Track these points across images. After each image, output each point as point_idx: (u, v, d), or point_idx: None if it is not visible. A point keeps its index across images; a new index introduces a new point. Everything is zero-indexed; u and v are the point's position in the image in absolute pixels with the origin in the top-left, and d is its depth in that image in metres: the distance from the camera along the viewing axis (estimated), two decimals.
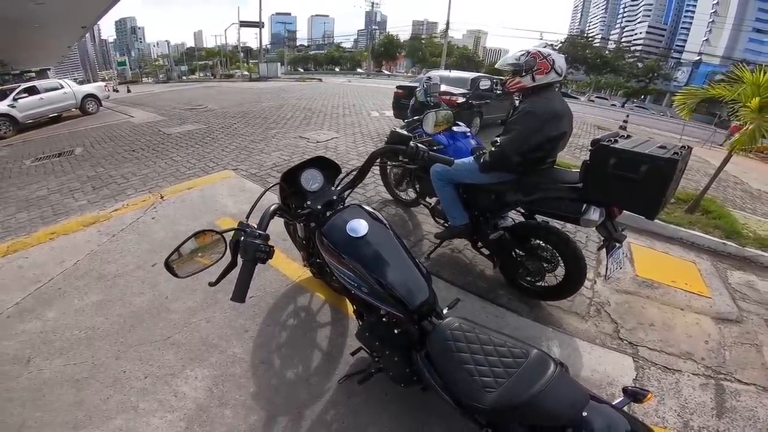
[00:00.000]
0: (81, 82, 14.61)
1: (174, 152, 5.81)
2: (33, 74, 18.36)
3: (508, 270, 2.50)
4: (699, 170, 7.54)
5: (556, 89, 2.22)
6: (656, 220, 3.69)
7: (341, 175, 1.66)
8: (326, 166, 1.61)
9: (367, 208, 1.48)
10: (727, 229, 3.75)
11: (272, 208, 1.20)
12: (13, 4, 10.11)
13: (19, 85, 10.30)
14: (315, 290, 2.44)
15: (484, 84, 7.84)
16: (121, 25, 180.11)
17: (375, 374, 1.50)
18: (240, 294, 1.02)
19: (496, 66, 2.34)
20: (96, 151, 6.31)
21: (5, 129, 9.02)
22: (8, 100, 9.37)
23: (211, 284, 1.09)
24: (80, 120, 10.59)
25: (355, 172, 1.59)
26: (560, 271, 2.25)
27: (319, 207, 1.45)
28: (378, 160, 1.59)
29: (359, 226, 1.34)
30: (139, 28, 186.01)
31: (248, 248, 1.03)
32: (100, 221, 3.46)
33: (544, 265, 2.29)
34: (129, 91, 19.76)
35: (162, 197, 3.94)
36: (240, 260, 1.05)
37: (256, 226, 1.10)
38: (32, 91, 10.16)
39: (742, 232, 3.77)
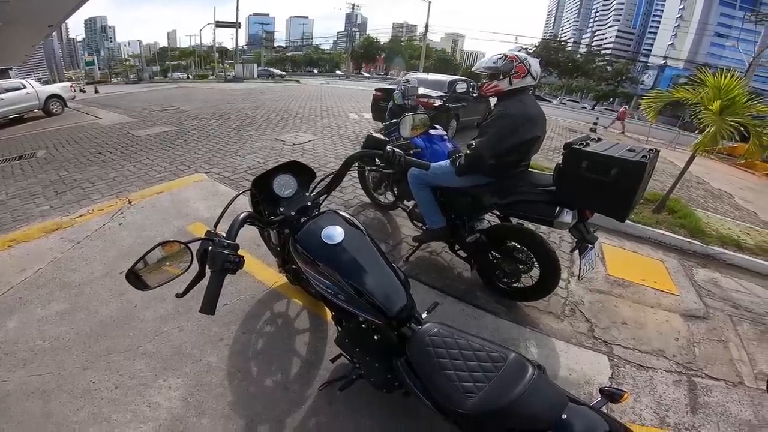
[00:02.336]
0: (46, 82, 13.90)
1: (143, 155, 5.60)
2: None
3: (485, 272, 2.53)
4: (664, 171, 7.86)
5: (530, 93, 2.26)
6: (626, 221, 3.84)
7: (316, 180, 1.63)
8: (300, 172, 1.57)
9: (343, 213, 1.46)
10: (692, 228, 3.93)
11: (242, 216, 1.17)
12: None
13: None
14: (292, 296, 2.39)
15: (461, 87, 7.95)
16: (90, 24, 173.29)
17: (356, 380, 1.48)
18: (209, 306, 0.97)
19: (473, 69, 2.37)
20: (60, 154, 5.99)
21: None
22: None
23: (179, 295, 1.04)
24: (44, 121, 10.04)
25: (330, 177, 1.56)
26: (536, 272, 2.30)
27: (293, 213, 1.42)
28: (355, 165, 1.57)
29: (335, 233, 1.31)
30: (110, 28, 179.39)
31: (216, 259, 0.99)
32: (63, 227, 3.28)
33: (520, 266, 2.33)
34: (96, 91, 18.91)
35: (130, 202, 3.78)
36: (208, 271, 1.01)
37: (224, 235, 1.06)
38: None
39: (705, 230, 3.96)
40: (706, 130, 4.20)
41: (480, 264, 2.52)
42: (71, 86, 13.16)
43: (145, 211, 3.62)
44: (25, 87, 10.54)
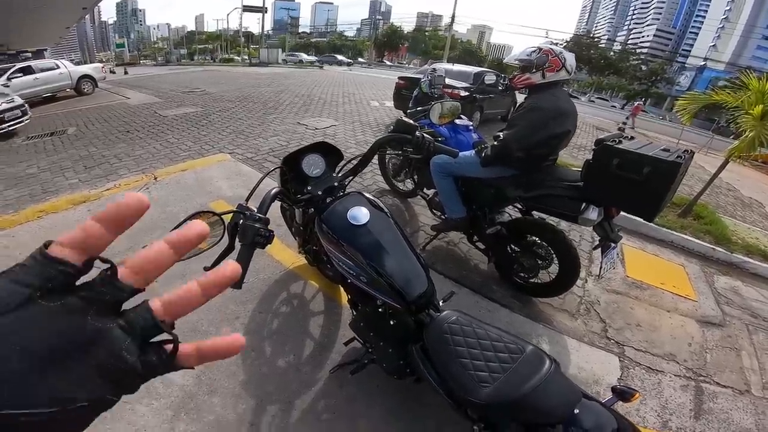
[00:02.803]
0: (78, 63, 14.27)
1: (169, 134, 5.73)
2: (29, 54, 17.98)
3: (502, 265, 2.51)
4: (694, 175, 7.56)
5: (563, 87, 2.20)
6: (650, 223, 3.73)
7: (342, 162, 1.63)
8: (328, 152, 1.56)
9: (368, 196, 1.45)
10: (717, 235, 3.79)
11: (273, 191, 1.17)
12: None
13: (14, 65, 10.13)
14: (309, 278, 2.42)
15: (489, 79, 7.80)
16: (122, 6, 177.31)
17: (368, 365, 1.49)
18: (239, 280, 0.97)
19: (505, 61, 2.32)
20: (89, 131, 6.20)
21: None
22: (2, 80, 9.26)
23: (207, 269, 1.04)
24: (75, 100, 10.40)
25: (357, 160, 1.55)
26: (553, 268, 2.26)
27: (320, 193, 1.41)
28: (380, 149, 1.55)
29: (360, 214, 1.31)
30: (140, 11, 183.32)
31: (247, 231, 0.98)
32: (90, 200, 3.40)
33: (539, 261, 2.30)
34: (126, 72, 19.39)
35: (155, 178, 3.88)
36: (238, 244, 1.01)
37: (255, 209, 1.06)
38: (27, 71, 10.03)
39: (731, 238, 3.82)
40: (744, 135, 4.02)
41: (498, 257, 2.50)
42: (102, 67, 13.59)
43: (170, 187, 3.71)
44: (58, 67, 10.95)
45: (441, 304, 1.51)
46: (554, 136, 2.05)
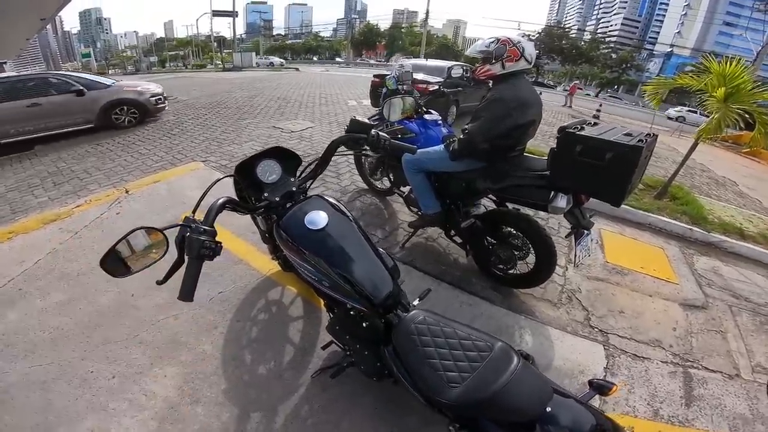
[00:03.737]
0: None
1: (141, 145, 5.58)
2: None
3: (480, 258, 2.53)
4: (668, 158, 7.78)
5: (526, 77, 2.22)
6: (626, 206, 3.81)
7: (303, 166, 1.61)
8: (285, 157, 1.54)
9: (329, 199, 1.44)
10: (694, 215, 3.90)
11: (220, 201, 1.14)
12: None
13: None
14: (286, 283, 2.39)
15: (456, 72, 7.84)
16: (85, 16, 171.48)
17: (347, 368, 1.48)
18: (187, 293, 0.96)
19: (466, 53, 2.32)
20: (58, 146, 5.97)
21: None
22: None
23: (159, 282, 1.03)
24: None
25: (315, 163, 1.54)
26: (532, 258, 2.28)
27: (277, 199, 1.40)
28: (340, 149, 1.54)
29: (318, 218, 1.30)
30: (105, 19, 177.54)
31: (193, 245, 0.98)
32: (61, 218, 3.28)
33: (515, 252, 2.32)
34: None
35: (127, 191, 3.77)
36: (186, 257, 1.00)
37: (202, 221, 1.04)
38: None
39: (707, 218, 3.93)
40: (710, 117, 4.14)
41: (475, 250, 2.51)
42: None
43: (143, 200, 3.62)
44: None
45: (417, 302, 1.51)
46: (517, 126, 2.05)
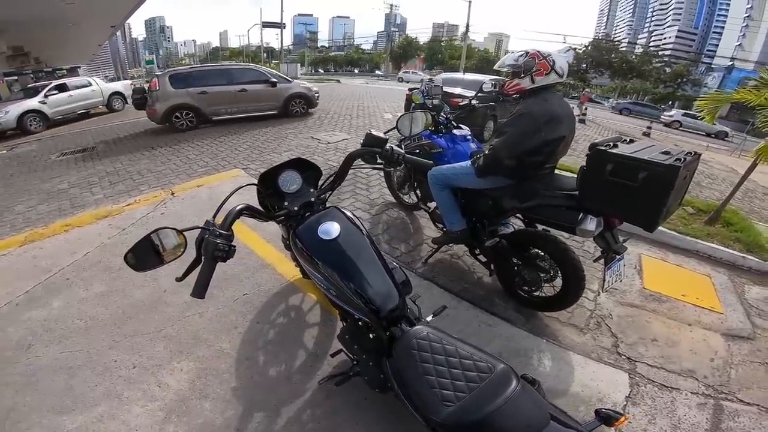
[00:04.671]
0: (112, 80, 15.09)
1: (189, 150, 5.97)
2: (64, 72, 19.14)
3: (505, 278, 2.45)
4: (725, 179, 7.22)
5: (557, 91, 2.15)
6: (671, 231, 3.57)
7: (324, 177, 1.66)
8: (306, 168, 1.60)
9: (345, 211, 1.47)
10: (749, 242, 3.57)
11: (238, 207, 1.21)
12: (46, 4, 10.59)
13: (50, 83, 10.74)
14: (307, 291, 2.45)
15: (488, 86, 7.73)
16: (150, 24, 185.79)
17: (353, 377, 1.49)
18: (200, 290, 1.04)
19: (495, 68, 2.30)
20: (117, 148, 6.57)
21: (36, 124, 9.44)
22: (39, 97, 9.77)
23: (178, 279, 1.11)
24: (106, 117, 11.02)
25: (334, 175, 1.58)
26: (559, 281, 2.18)
27: (296, 209, 1.45)
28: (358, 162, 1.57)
29: (331, 229, 1.33)
30: (168, 27, 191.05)
31: (208, 246, 1.05)
32: (112, 215, 3.59)
33: (541, 274, 2.23)
34: None
35: (173, 194, 4.05)
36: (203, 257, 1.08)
37: (220, 225, 1.12)
38: (62, 88, 10.56)
39: (765, 245, 3.58)
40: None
41: (500, 270, 2.44)
42: (131, 84, 14.32)
43: (185, 202, 3.87)
44: (91, 84, 11.55)
45: (431, 318, 1.49)
46: (547, 142, 1.97)
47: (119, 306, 2.31)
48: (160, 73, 8.26)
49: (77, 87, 11.08)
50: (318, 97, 9.25)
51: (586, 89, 28.98)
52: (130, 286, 2.47)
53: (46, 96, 9.91)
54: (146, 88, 7.79)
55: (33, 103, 9.57)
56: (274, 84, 8.29)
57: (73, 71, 20.18)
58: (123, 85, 13.14)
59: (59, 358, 1.93)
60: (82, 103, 11.08)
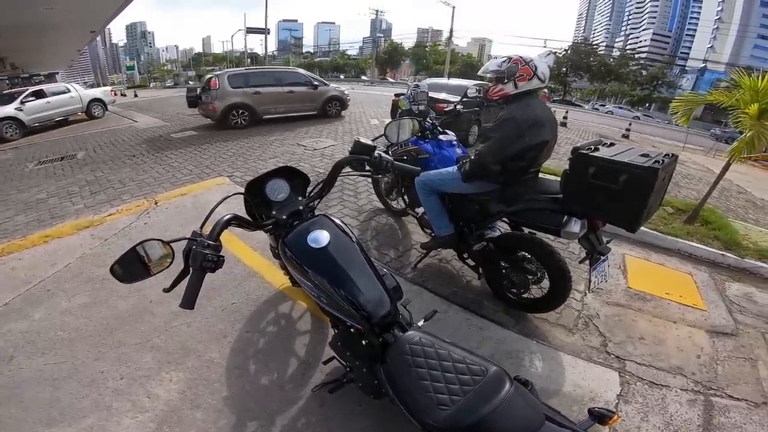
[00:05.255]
0: (91, 86, 14.72)
1: (173, 158, 5.88)
2: (42, 78, 18.62)
3: (493, 281, 2.48)
4: (701, 179, 7.45)
5: (539, 96, 2.20)
6: (652, 231, 3.66)
7: (312, 185, 1.66)
8: (293, 176, 1.60)
9: (334, 219, 1.47)
10: (727, 240, 3.68)
11: (225, 218, 1.20)
12: (24, 9, 10.29)
13: (27, 89, 10.44)
14: (297, 298, 2.43)
15: (472, 91, 7.82)
16: (131, 29, 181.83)
17: (346, 384, 1.48)
18: (189, 301, 1.03)
19: (478, 73, 2.33)
20: (97, 156, 6.40)
21: (12, 132, 9.12)
22: (16, 104, 9.46)
23: (165, 290, 1.10)
24: (86, 124, 10.73)
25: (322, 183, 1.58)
26: (546, 283, 2.22)
27: (284, 217, 1.44)
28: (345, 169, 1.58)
29: (320, 237, 1.33)
30: (149, 33, 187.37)
31: (196, 257, 1.04)
32: (94, 225, 3.49)
33: (529, 277, 2.26)
34: (136, 95, 20.13)
35: (156, 203, 3.97)
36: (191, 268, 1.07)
37: (208, 235, 1.11)
38: (39, 94, 10.25)
39: (742, 243, 3.70)
40: (743, 135, 3.95)
41: (488, 273, 2.47)
42: (111, 90, 14.01)
43: (169, 212, 3.80)
44: (69, 91, 11.22)
45: (422, 323, 1.50)
46: (531, 147, 2.01)
47: (104, 317, 2.25)
48: (219, 72, 8.69)
49: (55, 93, 10.75)
50: (349, 100, 10.04)
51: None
52: (114, 297, 2.41)
53: (22, 102, 9.60)
54: (198, 87, 8.57)
55: (9, 109, 9.26)
56: (315, 87, 8.99)
57: (50, 77, 19.67)
58: (102, 92, 12.79)
59: (43, 370, 1.88)
60: (61, 109, 10.77)
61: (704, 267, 3.34)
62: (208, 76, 8.61)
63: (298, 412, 1.71)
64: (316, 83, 9.08)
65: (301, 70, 10.07)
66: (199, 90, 8.39)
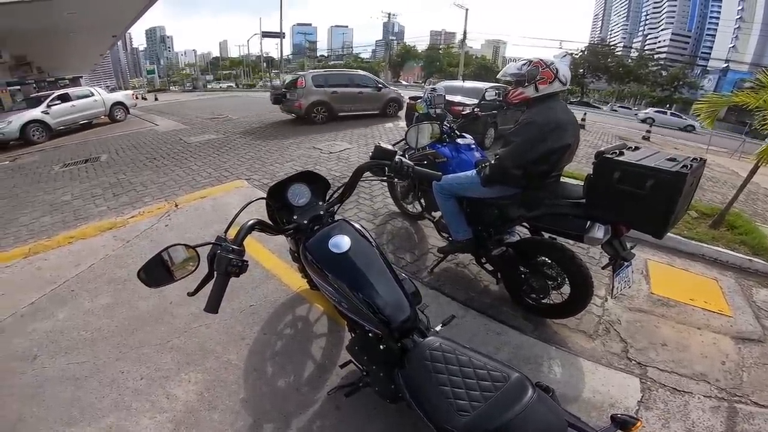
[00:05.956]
0: (113, 90, 15.11)
1: (192, 161, 5.99)
2: (67, 81, 19.19)
3: (512, 286, 2.44)
4: (726, 182, 7.21)
5: (561, 99, 2.15)
6: (677, 236, 3.56)
7: (332, 190, 1.66)
8: (314, 181, 1.61)
9: (354, 224, 1.47)
10: (754, 245, 3.56)
11: (249, 223, 1.21)
12: (49, 14, 10.64)
13: (53, 92, 10.70)
14: (314, 301, 2.44)
15: (490, 94, 7.77)
16: (151, 34, 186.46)
17: (362, 388, 1.48)
18: (213, 305, 1.04)
19: (497, 77, 2.30)
20: (120, 158, 6.58)
21: (38, 135, 9.41)
22: (42, 107, 9.72)
23: (190, 294, 1.11)
24: (108, 127, 11.03)
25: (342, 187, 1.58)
26: (567, 288, 2.17)
27: (306, 222, 1.45)
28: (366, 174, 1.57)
29: (341, 242, 1.33)
30: (168, 38, 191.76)
31: (221, 262, 1.05)
32: (116, 227, 3.59)
33: (549, 282, 2.22)
34: (156, 99, 20.71)
35: (176, 206, 4.05)
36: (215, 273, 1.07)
37: (231, 241, 1.11)
38: (65, 98, 10.51)
39: None
40: None
41: (507, 278, 2.43)
42: (133, 94, 14.38)
43: (189, 214, 3.87)
44: (93, 95, 11.51)
45: (440, 328, 1.49)
46: (553, 150, 1.98)
47: (125, 318, 2.30)
48: (303, 73, 9.91)
49: (79, 97, 11.01)
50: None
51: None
52: (136, 297, 2.46)
53: (48, 106, 9.85)
54: (283, 86, 9.86)
55: (36, 113, 9.54)
56: (379, 89, 10.05)
57: (75, 81, 20.25)
58: (124, 96, 13.13)
59: (65, 370, 1.93)
60: (85, 113, 11.03)
61: (730, 272, 3.23)
62: (292, 76, 10.02)
63: (313, 414, 1.71)
64: (380, 85, 10.12)
65: (368, 74, 10.89)
66: (283, 89, 9.61)
